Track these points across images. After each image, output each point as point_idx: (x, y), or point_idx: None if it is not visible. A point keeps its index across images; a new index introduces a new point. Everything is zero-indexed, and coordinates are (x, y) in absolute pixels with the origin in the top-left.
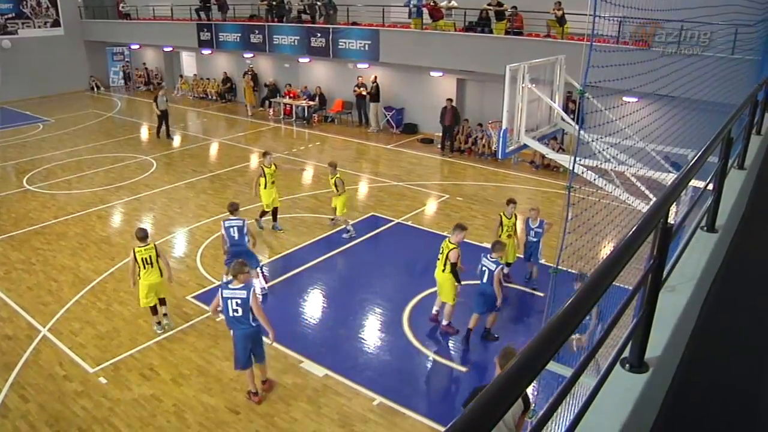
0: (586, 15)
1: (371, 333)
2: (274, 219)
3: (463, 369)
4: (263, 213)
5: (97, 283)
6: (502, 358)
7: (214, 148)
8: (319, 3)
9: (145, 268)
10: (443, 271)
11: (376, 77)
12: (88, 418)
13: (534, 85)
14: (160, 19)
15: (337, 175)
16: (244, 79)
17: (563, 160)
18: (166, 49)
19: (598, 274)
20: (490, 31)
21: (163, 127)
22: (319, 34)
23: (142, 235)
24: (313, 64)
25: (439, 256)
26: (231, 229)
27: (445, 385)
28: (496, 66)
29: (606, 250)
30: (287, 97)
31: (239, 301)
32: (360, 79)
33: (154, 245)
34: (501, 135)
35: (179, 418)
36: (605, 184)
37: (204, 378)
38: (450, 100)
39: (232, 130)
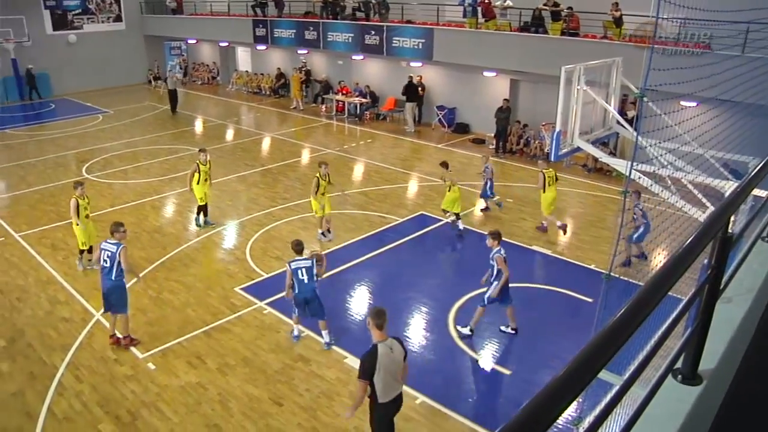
0: (646, 16)
1: (416, 332)
2: (205, 214)
3: (508, 372)
4: (200, 209)
5: (149, 272)
6: (374, 317)
7: (266, 143)
8: (373, 1)
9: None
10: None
11: (420, 77)
12: (136, 402)
13: (589, 88)
14: (217, 15)
15: (449, 173)
16: (294, 75)
17: (619, 164)
18: (222, 44)
19: (654, 281)
20: (545, 32)
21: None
22: (373, 32)
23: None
24: (366, 61)
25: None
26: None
27: (489, 388)
28: (551, 67)
29: (660, 257)
30: (340, 93)
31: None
32: (415, 77)
33: None
34: (554, 137)
35: (223, 407)
36: (661, 191)
37: (249, 369)
38: (507, 100)
39: (284, 125)
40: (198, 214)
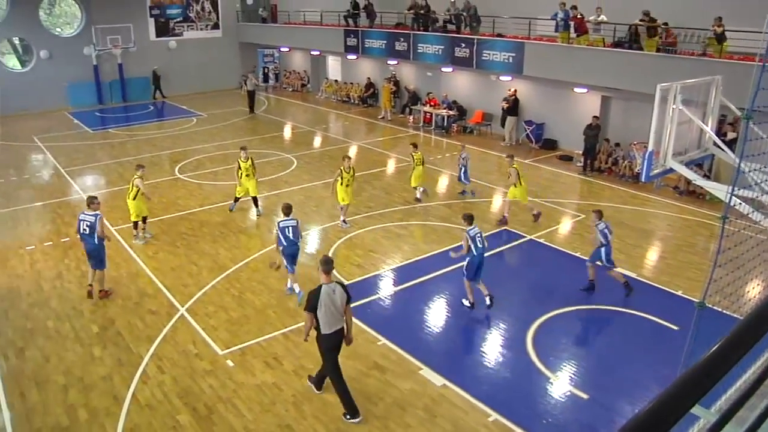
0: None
1: (493, 348)
2: (255, 205)
3: (585, 396)
4: (254, 200)
5: (233, 272)
6: (322, 264)
7: (352, 151)
8: (464, 13)
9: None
10: None
11: (515, 90)
12: (213, 397)
13: (685, 107)
14: (309, 25)
15: (514, 165)
16: (384, 85)
17: (715, 188)
18: (313, 53)
19: (757, 313)
20: (640, 48)
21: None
22: (463, 45)
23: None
24: (455, 73)
25: None
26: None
27: (564, 412)
28: (645, 85)
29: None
30: (428, 105)
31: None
32: (509, 91)
33: None
34: (646, 157)
35: (297, 409)
36: (762, 219)
37: None
38: (596, 117)
39: (371, 134)
40: (255, 205)
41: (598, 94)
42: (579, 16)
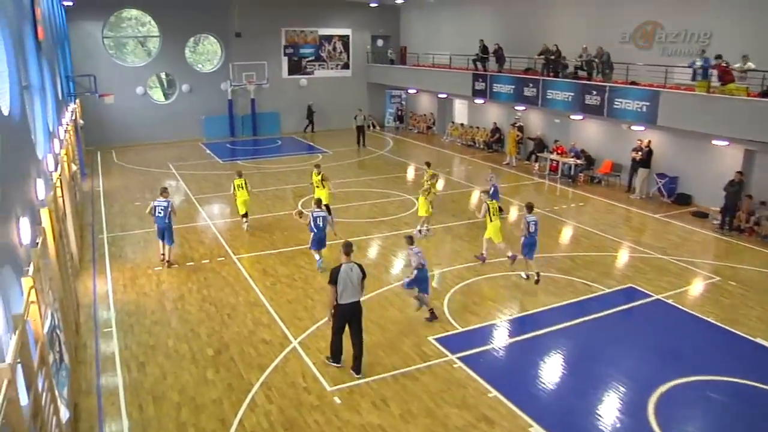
0: None
1: (610, 412)
2: (329, 212)
3: None
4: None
5: None
6: (344, 247)
7: (474, 196)
8: (597, 60)
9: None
10: None
11: (649, 141)
12: (317, 431)
13: None
14: (438, 67)
15: (487, 201)
16: (510, 131)
17: None
18: (440, 96)
19: None
20: None
21: (362, 140)
22: (594, 92)
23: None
24: (584, 121)
25: None
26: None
27: None
28: None
29: None
30: (554, 153)
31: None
32: (639, 142)
33: None
34: None
35: None
36: None
37: (431, 420)
38: (740, 173)
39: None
40: (329, 212)
41: (740, 147)
42: (723, 64)
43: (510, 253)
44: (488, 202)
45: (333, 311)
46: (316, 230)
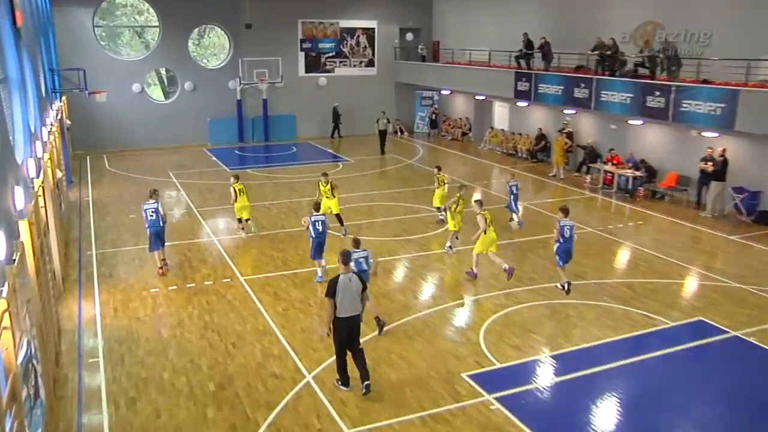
0: None
1: None
2: (341, 223)
3: None
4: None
5: (369, 340)
6: (341, 256)
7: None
8: (661, 55)
9: None
10: None
11: (724, 150)
12: None
13: None
14: (476, 65)
15: (483, 212)
16: (557, 138)
17: None
18: (478, 98)
19: None
20: None
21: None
22: (657, 93)
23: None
24: (644, 127)
25: None
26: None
27: None
28: None
29: None
30: (609, 163)
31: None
32: (710, 150)
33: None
34: None
35: None
36: None
37: None
38: None
39: (539, 194)
40: (341, 223)
41: None
42: None
43: (506, 266)
44: (483, 213)
45: (332, 327)
46: (314, 235)
